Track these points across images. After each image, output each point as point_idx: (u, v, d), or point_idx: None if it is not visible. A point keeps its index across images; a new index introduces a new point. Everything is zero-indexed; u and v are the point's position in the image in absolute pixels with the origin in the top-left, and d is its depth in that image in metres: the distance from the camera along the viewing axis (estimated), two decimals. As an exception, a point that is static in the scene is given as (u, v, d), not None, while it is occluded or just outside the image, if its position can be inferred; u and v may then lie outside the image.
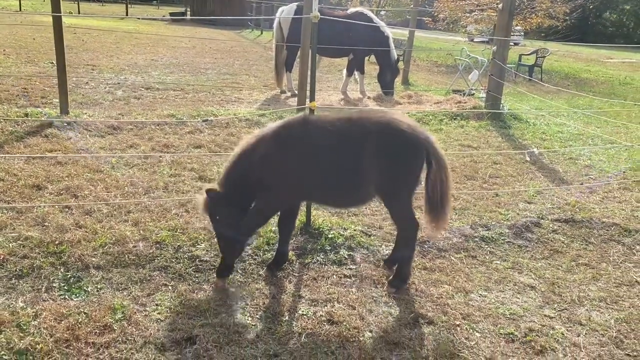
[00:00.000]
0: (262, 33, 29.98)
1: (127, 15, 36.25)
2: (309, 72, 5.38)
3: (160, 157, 6.52)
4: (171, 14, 39.30)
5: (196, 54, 17.99)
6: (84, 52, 15.71)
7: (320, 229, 4.89)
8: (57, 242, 4.22)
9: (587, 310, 4.06)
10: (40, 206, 4.83)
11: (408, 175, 3.85)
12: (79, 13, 33.46)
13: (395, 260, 4.33)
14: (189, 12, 40.51)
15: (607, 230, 5.54)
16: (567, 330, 3.78)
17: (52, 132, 6.98)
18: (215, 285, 3.92)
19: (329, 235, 4.79)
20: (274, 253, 4.32)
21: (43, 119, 7.44)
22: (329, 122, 3.91)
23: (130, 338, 3.27)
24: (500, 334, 3.68)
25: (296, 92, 8.52)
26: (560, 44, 29.64)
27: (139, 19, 34.00)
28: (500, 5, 9.78)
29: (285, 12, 11.60)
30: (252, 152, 3.83)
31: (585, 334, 3.76)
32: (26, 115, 7.57)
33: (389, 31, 11.96)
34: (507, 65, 10.91)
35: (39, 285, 3.73)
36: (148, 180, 5.75)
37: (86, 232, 4.47)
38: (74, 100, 9.08)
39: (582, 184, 6.84)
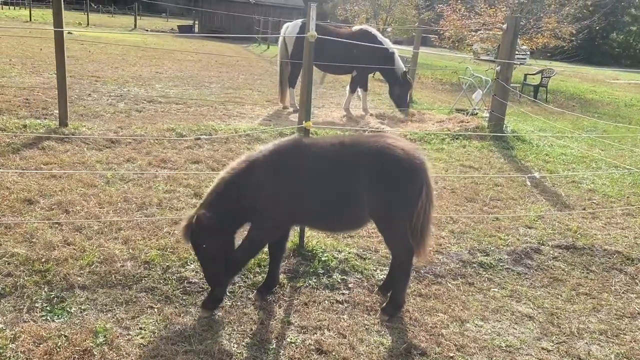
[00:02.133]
0: (268, 47, 30.10)
1: (135, 27, 36.54)
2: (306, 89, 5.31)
3: (156, 172, 6.44)
4: (179, 27, 39.60)
5: (201, 68, 18.02)
6: (90, 64, 15.75)
7: (314, 251, 4.78)
8: (43, 260, 4.13)
9: (586, 343, 3.93)
10: (29, 222, 4.75)
11: (402, 201, 3.74)
12: (87, 24, 33.72)
13: (390, 287, 4.22)
14: (197, 26, 40.80)
15: (609, 258, 5.41)
16: (565, 364, 3.65)
17: (49, 145, 6.92)
18: (200, 315, 3.77)
19: (323, 258, 4.67)
20: (265, 276, 4.21)
21: (41, 131, 7.40)
22: (322, 146, 3.83)
23: (109, 364, 3.16)
24: (495, 367, 3.54)
25: (298, 108, 8.46)
26: (566, 64, 29.60)
27: (147, 31, 34.29)
28: (504, 26, 9.73)
29: (289, 29, 11.59)
30: (244, 179, 3.69)
31: (584, 369, 3.62)
32: (24, 127, 7.53)
33: (394, 48, 11.93)
34: (512, 85, 10.84)
35: (21, 305, 3.63)
36: (142, 196, 5.67)
37: (74, 249, 4.38)
38: (75, 112, 9.05)
39: (584, 209, 6.71)
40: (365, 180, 3.64)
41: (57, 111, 8.21)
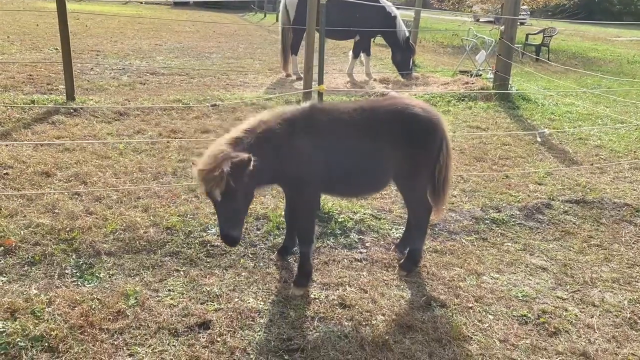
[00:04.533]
0: (265, 16, 29.74)
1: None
2: (316, 55, 5.33)
3: (167, 142, 6.50)
4: (174, -2, 38.92)
5: (200, 38, 17.88)
6: (88, 38, 15.63)
7: (330, 213, 4.87)
8: (68, 229, 4.23)
9: (600, 291, 4.05)
10: (50, 193, 4.83)
11: (426, 159, 3.82)
12: (81, -2, 33.23)
13: (406, 244, 4.32)
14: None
15: (619, 210, 5.50)
16: (580, 311, 3.77)
17: (59, 119, 6.97)
18: (294, 294, 3.71)
19: (339, 219, 4.77)
20: (284, 238, 4.31)
21: (49, 105, 7.43)
22: (345, 111, 3.72)
23: (144, 324, 3.28)
24: (513, 316, 3.67)
25: (302, 75, 8.45)
26: (567, 22, 29.25)
27: (141, 3, 33.81)
28: (508, -16, 9.62)
29: (291, -6, 11.45)
30: (283, 139, 3.44)
31: (599, 315, 3.74)
32: (32, 102, 7.55)
33: (396, 11, 11.81)
34: (515, 45, 10.77)
35: (51, 272, 3.74)
36: (156, 165, 5.74)
37: (96, 218, 4.47)
38: (80, 87, 9.04)
39: (592, 164, 6.78)
40: (392, 141, 3.67)
41: (62, 86, 8.23)
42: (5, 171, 5.24)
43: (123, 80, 10.14)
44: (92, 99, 8.00)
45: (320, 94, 4.66)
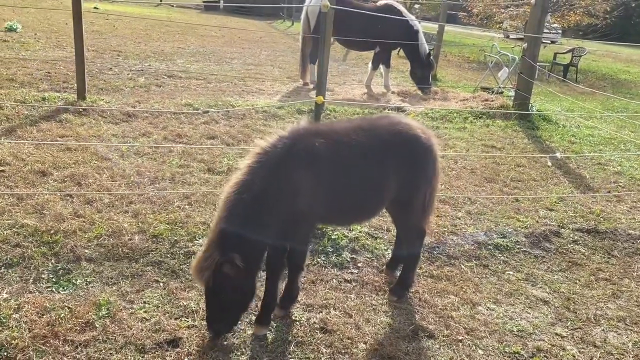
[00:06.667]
0: (292, 24, 29.76)
1: (161, 2, 36.50)
2: (332, 64, 5.19)
3: (171, 146, 6.40)
4: (204, 2, 39.41)
5: (224, 43, 17.91)
6: (113, 38, 15.77)
7: (323, 229, 4.68)
8: (52, 232, 4.13)
9: (603, 330, 3.78)
10: (41, 193, 4.75)
11: (424, 181, 3.67)
12: (113, -1, 33.81)
13: (397, 263, 4.13)
14: (222, 1, 40.54)
15: (633, 243, 5.20)
16: (579, 351, 3.52)
17: (67, 118, 6.94)
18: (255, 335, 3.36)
19: (332, 236, 4.58)
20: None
21: (59, 104, 7.42)
22: (341, 132, 3.45)
23: (111, 337, 3.14)
24: (505, 352, 3.43)
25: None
26: (599, 43, 28.59)
27: (172, 6, 34.26)
28: (532, 1, 9.35)
29: (313, 2, 11.34)
30: (270, 187, 3.06)
31: (599, 357, 3.48)
32: (43, 99, 7.56)
33: (418, 25, 11.62)
34: (541, 64, 10.47)
35: (27, 276, 3.64)
36: (155, 170, 5.64)
37: (83, 222, 4.37)
38: (95, 86, 9.08)
39: (609, 192, 6.46)
40: (394, 164, 3.50)
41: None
42: (2, 168, 5.20)
43: (139, 82, 10.13)
44: (103, 99, 7.98)
45: (319, 105, 4.50)
